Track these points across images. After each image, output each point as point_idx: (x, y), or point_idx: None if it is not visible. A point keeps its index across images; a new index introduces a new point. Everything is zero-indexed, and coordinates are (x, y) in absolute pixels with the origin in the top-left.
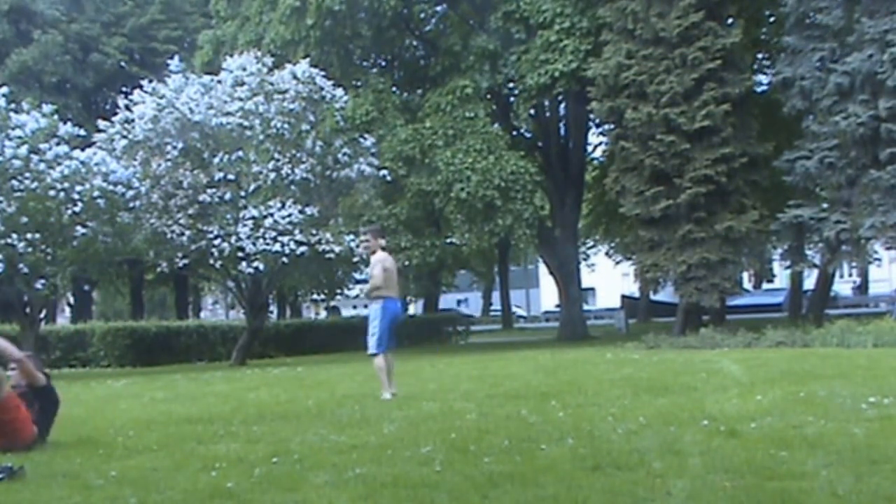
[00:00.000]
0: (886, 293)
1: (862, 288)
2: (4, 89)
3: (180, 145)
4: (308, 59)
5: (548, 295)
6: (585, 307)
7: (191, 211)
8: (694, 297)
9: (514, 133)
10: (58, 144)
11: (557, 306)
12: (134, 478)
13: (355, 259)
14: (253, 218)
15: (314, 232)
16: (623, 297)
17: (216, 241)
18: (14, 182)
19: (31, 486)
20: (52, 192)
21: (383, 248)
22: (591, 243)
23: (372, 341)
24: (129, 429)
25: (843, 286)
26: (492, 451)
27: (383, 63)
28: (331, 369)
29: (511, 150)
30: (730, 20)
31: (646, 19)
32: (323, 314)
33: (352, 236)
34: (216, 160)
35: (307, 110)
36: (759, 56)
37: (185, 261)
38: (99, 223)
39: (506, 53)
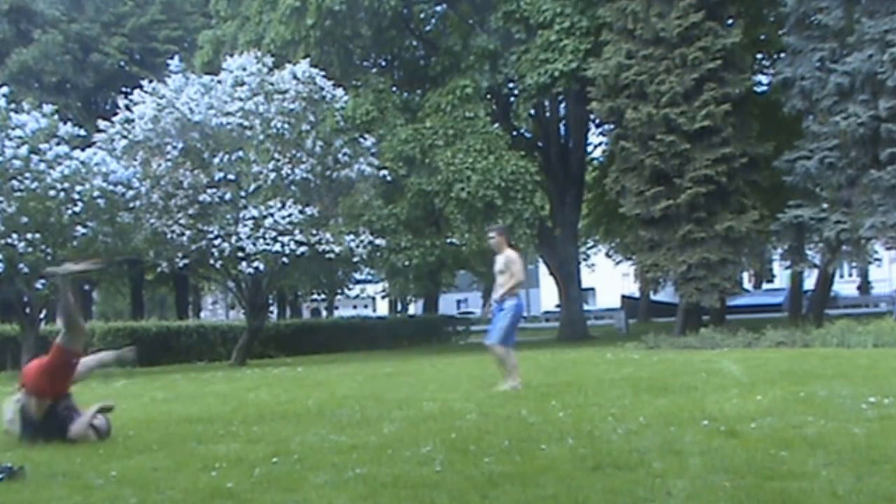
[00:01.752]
0: (886, 293)
1: (863, 288)
2: (4, 89)
3: (180, 145)
4: (308, 59)
5: (548, 295)
6: (585, 307)
7: (191, 211)
8: (694, 297)
9: (514, 133)
10: (58, 144)
11: (558, 306)
12: (134, 478)
13: (355, 259)
14: (253, 218)
15: (314, 232)
16: (623, 297)
17: (216, 241)
18: (14, 182)
19: (31, 486)
20: (52, 192)
21: (511, 246)
22: (591, 243)
23: (500, 334)
24: (129, 429)
25: (843, 286)
26: (492, 451)
27: (383, 63)
28: (331, 369)
29: (511, 150)
30: (730, 20)
31: (646, 19)
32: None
33: (352, 236)
34: (216, 160)
35: (307, 110)
36: (759, 56)
37: (185, 261)
38: (99, 223)
39: (506, 53)
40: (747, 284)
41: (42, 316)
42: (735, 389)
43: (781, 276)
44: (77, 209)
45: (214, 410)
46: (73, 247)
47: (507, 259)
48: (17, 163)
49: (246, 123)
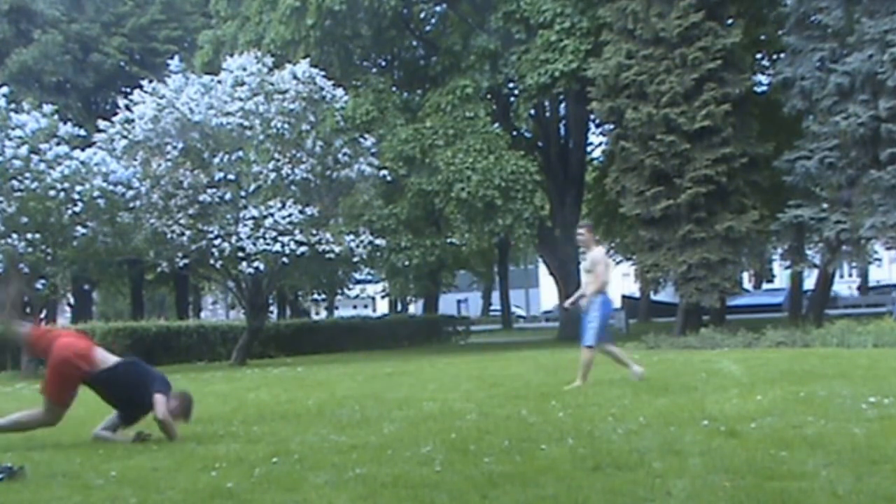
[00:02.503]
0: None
1: (863, 289)
2: (4, 89)
3: (180, 145)
4: (308, 59)
5: (548, 295)
6: None
7: (191, 211)
8: (694, 297)
9: (514, 133)
10: (58, 144)
11: (557, 306)
12: (134, 478)
13: (355, 259)
14: (253, 218)
15: (314, 232)
16: (623, 297)
17: (216, 241)
18: (14, 182)
19: (31, 486)
20: (52, 192)
21: (598, 243)
22: None
23: (589, 334)
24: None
25: (842, 286)
26: (492, 451)
27: (383, 63)
28: (331, 369)
29: (511, 149)
30: (730, 20)
31: (646, 19)
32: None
33: (351, 236)
34: (216, 160)
35: (307, 110)
36: (759, 56)
37: (185, 261)
38: (99, 223)
39: (506, 53)
40: (747, 284)
41: (42, 316)
42: (735, 389)
43: (781, 276)
44: (77, 209)
45: (214, 410)
46: (73, 247)
47: (592, 258)
48: (17, 163)
49: (246, 123)
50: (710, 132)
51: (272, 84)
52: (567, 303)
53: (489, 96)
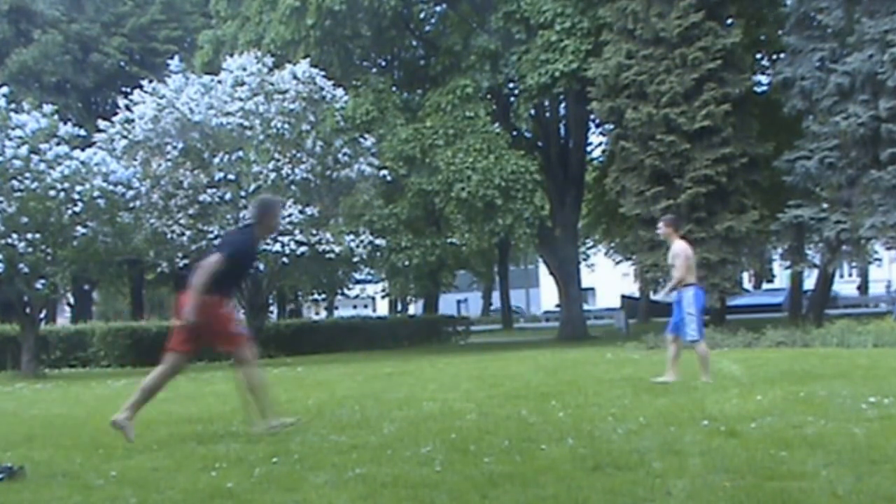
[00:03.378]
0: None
1: (862, 288)
2: (4, 89)
3: (180, 145)
4: (308, 59)
5: (548, 295)
6: (585, 307)
7: (191, 211)
8: None
9: (515, 133)
10: (58, 144)
11: (558, 306)
12: (134, 478)
13: (355, 259)
14: None
15: (314, 232)
16: (623, 297)
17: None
18: (14, 182)
19: (31, 486)
20: (52, 192)
21: (682, 237)
22: (591, 243)
23: (690, 329)
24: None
25: (843, 286)
26: (492, 451)
27: (383, 63)
28: (331, 369)
29: (511, 149)
30: (730, 20)
31: (646, 19)
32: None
33: (352, 236)
34: (216, 160)
35: (307, 110)
36: (759, 56)
37: (186, 261)
38: (99, 223)
39: (506, 53)
40: (747, 284)
41: (42, 316)
42: (735, 389)
43: (781, 276)
44: (77, 209)
45: (214, 410)
46: (73, 247)
47: (672, 252)
48: (17, 163)
49: (246, 123)
50: (710, 132)
51: (272, 84)
52: (662, 294)
53: (489, 96)
